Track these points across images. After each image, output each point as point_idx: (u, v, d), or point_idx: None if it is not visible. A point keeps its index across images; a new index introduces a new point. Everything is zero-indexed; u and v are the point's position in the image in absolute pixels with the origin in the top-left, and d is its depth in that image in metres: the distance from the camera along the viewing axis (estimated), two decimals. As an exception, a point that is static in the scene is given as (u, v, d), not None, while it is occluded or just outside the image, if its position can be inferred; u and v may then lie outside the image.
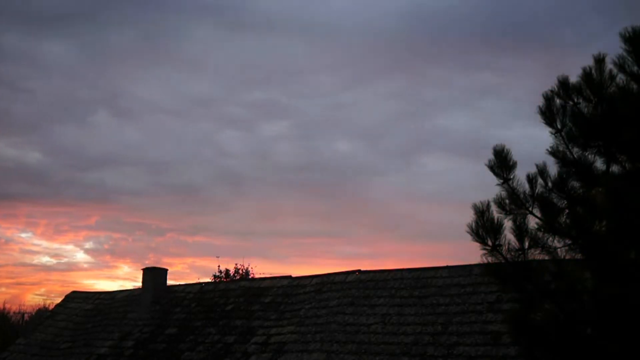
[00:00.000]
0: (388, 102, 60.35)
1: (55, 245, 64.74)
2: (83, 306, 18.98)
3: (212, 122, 63.77)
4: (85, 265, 62.94)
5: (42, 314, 27.31)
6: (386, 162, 63.07)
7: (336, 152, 60.76)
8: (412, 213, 59.19)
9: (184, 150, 61.87)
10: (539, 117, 7.28)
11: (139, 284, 18.58)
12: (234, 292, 16.11)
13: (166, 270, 18.31)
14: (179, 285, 18.05)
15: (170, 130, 62.19)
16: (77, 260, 63.91)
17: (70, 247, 65.87)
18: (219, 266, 31.00)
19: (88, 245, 64.22)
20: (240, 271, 30.68)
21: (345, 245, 62.08)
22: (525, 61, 55.85)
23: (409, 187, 60.94)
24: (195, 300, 16.63)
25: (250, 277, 28.79)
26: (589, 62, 7.08)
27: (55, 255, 63.33)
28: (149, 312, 16.96)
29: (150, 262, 56.46)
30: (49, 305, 33.83)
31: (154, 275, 17.78)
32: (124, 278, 64.28)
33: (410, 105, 61.10)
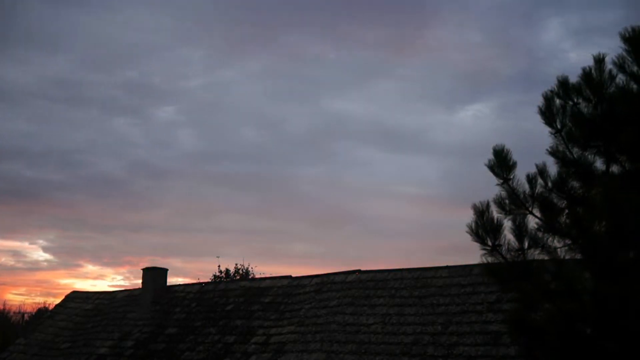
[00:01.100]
0: (266, 81, 59.16)
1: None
2: (83, 306, 18.98)
3: (98, 108, 61.89)
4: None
5: (42, 314, 27.30)
6: (301, 151, 62.76)
7: (245, 140, 60.26)
8: (341, 205, 59.14)
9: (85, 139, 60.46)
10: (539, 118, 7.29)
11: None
12: (234, 292, 16.12)
13: (166, 270, 18.32)
14: (179, 285, 18.07)
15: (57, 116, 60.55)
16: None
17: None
18: (219, 266, 30.97)
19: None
20: (240, 271, 30.66)
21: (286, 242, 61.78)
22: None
23: (333, 178, 60.83)
24: (195, 300, 16.64)
25: (250, 277, 28.79)
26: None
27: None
28: (149, 312, 16.96)
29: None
30: (49, 305, 33.85)
31: (154, 275, 17.78)
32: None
33: (300, 86, 60.46)
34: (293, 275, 15.67)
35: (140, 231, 62.11)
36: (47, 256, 64.06)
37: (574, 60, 56.99)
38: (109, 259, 67.06)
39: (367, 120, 60.25)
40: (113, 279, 65.01)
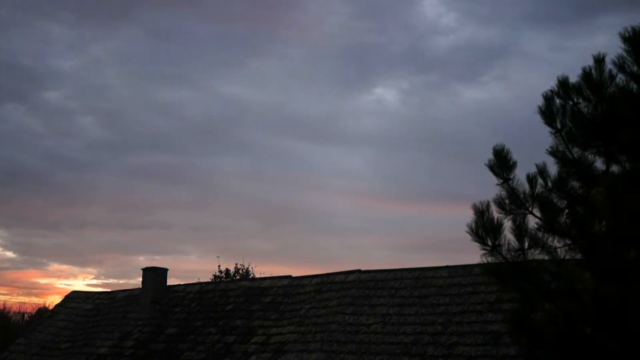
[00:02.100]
0: (144, 62, 56.99)
1: None
2: (83, 306, 18.98)
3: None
4: None
5: (42, 314, 27.30)
6: (211, 140, 61.18)
7: (147, 129, 58.63)
8: (281, 200, 58.20)
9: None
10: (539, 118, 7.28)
11: None
12: (234, 292, 16.11)
13: (166, 270, 18.31)
14: (179, 285, 18.04)
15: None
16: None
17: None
18: (219, 266, 30.97)
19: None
20: (241, 271, 30.66)
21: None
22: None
23: (258, 170, 59.70)
24: (195, 300, 16.63)
25: (250, 277, 28.79)
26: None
27: None
28: (149, 312, 16.95)
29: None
30: (49, 305, 33.85)
31: (154, 275, 17.77)
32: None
33: (179, 65, 57.92)
34: (293, 275, 15.69)
35: (85, 227, 61.54)
36: (10, 254, 63.19)
37: (466, 36, 55.98)
38: (71, 257, 66.75)
39: (266, 105, 58.71)
40: (85, 277, 64.87)
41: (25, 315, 33.29)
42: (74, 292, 20.36)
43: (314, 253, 56.32)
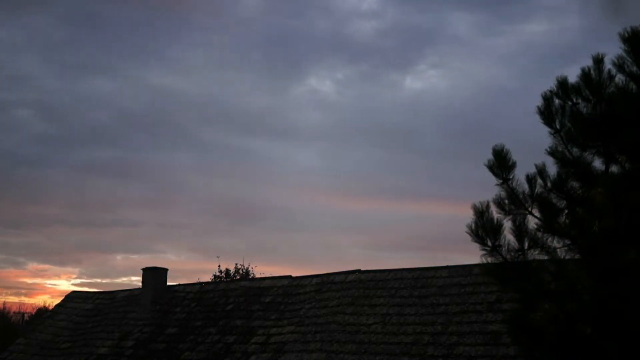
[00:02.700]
0: (62, 49, 55.04)
1: None
2: (83, 306, 18.98)
3: None
4: None
5: (42, 314, 27.30)
6: (156, 135, 59.95)
7: (86, 122, 57.04)
8: (240, 196, 57.52)
9: None
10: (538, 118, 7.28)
11: None
12: (234, 292, 16.11)
13: (166, 270, 18.31)
14: (179, 285, 18.05)
15: None
16: None
17: None
18: (219, 266, 30.98)
19: None
20: (241, 271, 30.66)
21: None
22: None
23: (212, 166, 58.66)
24: (195, 300, 16.63)
25: (250, 277, 28.80)
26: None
27: None
28: (149, 312, 16.95)
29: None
30: (49, 305, 33.86)
31: (154, 275, 17.77)
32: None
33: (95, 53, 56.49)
34: (293, 275, 15.70)
35: (51, 226, 60.76)
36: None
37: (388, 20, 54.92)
38: (47, 256, 65.97)
39: (202, 97, 57.47)
40: (69, 277, 64.53)
41: (25, 315, 33.32)
42: (74, 292, 20.36)
43: (289, 252, 55.83)
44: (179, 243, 60.80)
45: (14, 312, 33.94)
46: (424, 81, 57.95)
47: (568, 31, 52.06)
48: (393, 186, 56.48)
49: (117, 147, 60.32)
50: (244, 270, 30.62)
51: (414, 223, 53.13)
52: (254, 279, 21.49)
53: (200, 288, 17.28)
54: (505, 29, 55.07)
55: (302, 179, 58.18)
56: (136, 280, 62.33)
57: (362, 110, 56.86)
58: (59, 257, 65.48)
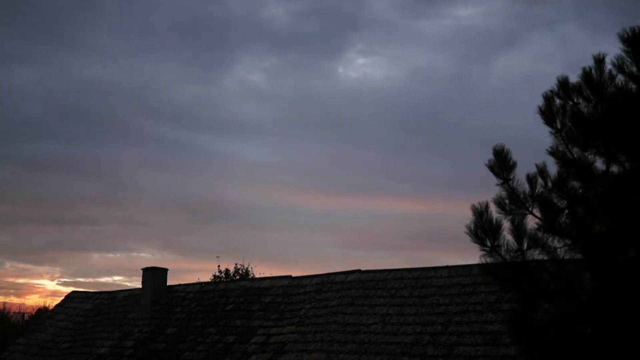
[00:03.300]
0: None
1: None
2: (83, 306, 18.98)
3: None
4: None
5: (42, 314, 27.30)
6: (89, 127, 57.76)
7: (11, 114, 54.61)
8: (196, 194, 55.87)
9: None
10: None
11: None
12: (234, 292, 16.12)
13: (166, 270, 18.32)
14: (179, 285, 18.04)
15: None
16: None
17: None
18: (218, 266, 30.99)
19: None
20: (240, 271, 30.67)
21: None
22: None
23: (162, 162, 57.20)
24: (195, 300, 16.64)
25: (250, 277, 28.81)
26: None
27: None
28: (149, 312, 16.96)
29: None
30: (48, 306, 33.85)
31: (154, 275, 17.78)
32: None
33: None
34: (293, 275, 15.70)
35: (15, 224, 59.26)
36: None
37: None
38: (24, 255, 64.89)
39: (132, 88, 54.62)
40: (53, 277, 63.91)
41: (25, 315, 33.32)
42: (74, 292, 20.36)
43: (262, 251, 55.06)
44: (149, 242, 60.02)
45: (14, 312, 33.95)
46: (357, 71, 56.34)
47: (495, 15, 51.05)
48: (350, 182, 55.66)
49: (56, 142, 58.31)
50: (244, 270, 30.64)
51: (381, 220, 52.65)
52: (254, 279, 21.49)
53: (200, 288, 17.28)
54: (431, 12, 53.78)
55: (257, 175, 56.68)
56: (119, 280, 62.24)
57: (300, 102, 55.21)
58: (34, 256, 63.94)
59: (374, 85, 53.75)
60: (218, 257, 42.26)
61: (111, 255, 59.89)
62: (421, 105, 51.90)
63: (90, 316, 18.28)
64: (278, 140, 57.91)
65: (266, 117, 54.70)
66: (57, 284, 65.76)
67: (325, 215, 56.18)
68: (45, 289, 63.02)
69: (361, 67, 56.94)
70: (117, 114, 56.21)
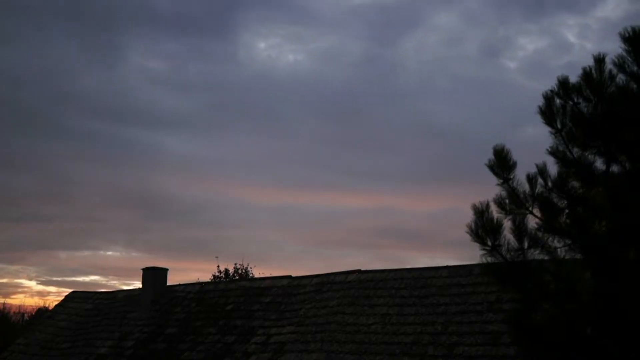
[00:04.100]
0: None
1: None
2: (83, 306, 18.99)
3: None
4: None
5: (42, 314, 27.30)
6: (19, 121, 53.96)
7: None
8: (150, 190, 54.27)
9: None
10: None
11: None
12: (234, 292, 16.11)
13: (166, 270, 18.32)
14: (179, 285, 18.05)
15: None
16: None
17: None
18: (218, 266, 30.97)
19: None
20: (240, 271, 30.66)
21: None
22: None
23: (84, 152, 54.69)
24: (195, 300, 16.63)
25: (250, 277, 28.80)
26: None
27: None
28: (149, 312, 16.95)
29: None
30: (48, 306, 33.84)
31: (154, 275, 17.78)
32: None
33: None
34: (293, 275, 15.70)
35: None
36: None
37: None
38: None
39: (41, 76, 51.45)
40: (30, 277, 62.92)
41: (25, 315, 33.32)
42: (74, 292, 20.36)
43: (221, 248, 53.91)
44: (110, 239, 58.12)
45: (14, 312, 33.95)
46: (259, 61, 53.72)
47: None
48: (290, 176, 54.07)
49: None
50: (243, 270, 30.63)
51: (332, 216, 51.44)
52: (254, 279, 21.48)
53: (200, 288, 17.29)
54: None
55: (192, 169, 55.03)
56: (95, 279, 61.16)
57: (212, 90, 52.89)
58: (3, 255, 62.35)
59: (285, 71, 51.29)
60: (217, 257, 42.07)
61: (78, 253, 58.50)
62: (339, 92, 50.11)
63: (90, 316, 18.28)
64: (202, 132, 55.61)
65: (182, 107, 52.21)
66: (38, 283, 64.99)
67: (276, 210, 54.75)
68: (32, 289, 62.15)
69: (261, 53, 54.34)
70: (24, 102, 52.59)
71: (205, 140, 55.30)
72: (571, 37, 49.85)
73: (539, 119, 7.13)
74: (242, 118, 55.13)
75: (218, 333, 14.61)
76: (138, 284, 18.70)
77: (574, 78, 7.16)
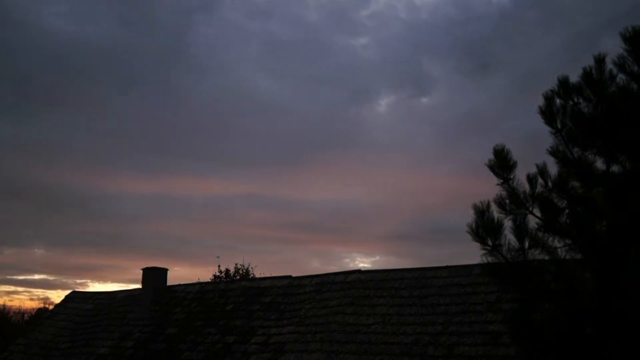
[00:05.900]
0: None
1: None
2: (83, 306, 18.99)
3: None
4: None
5: (42, 314, 27.30)
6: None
7: None
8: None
9: None
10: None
11: None
12: (234, 292, 16.11)
13: (166, 270, 18.33)
14: (179, 285, 18.05)
15: None
16: None
17: None
18: (219, 266, 30.98)
19: None
20: (241, 271, 30.66)
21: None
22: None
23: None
24: (195, 300, 16.63)
25: (250, 277, 28.80)
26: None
27: None
28: (149, 312, 16.96)
29: None
30: (48, 306, 33.85)
31: (154, 275, 17.79)
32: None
33: None
34: (293, 275, 15.70)
35: None
36: None
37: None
38: None
39: None
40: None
41: (25, 315, 33.33)
42: (74, 292, 20.37)
43: (128, 242, 52.48)
44: (21, 234, 56.19)
45: (14, 312, 33.97)
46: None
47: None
48: (152, 162, 51.49)
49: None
50: (244, 271, 30.63)
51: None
52: (254, 279, 21.47)
53: (200, 288, 17.29)
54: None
55: (66, 158, 51.88)
56: (43, 278, 59.57)
57: None
58: None
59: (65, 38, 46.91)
60: (218, 257, 42.07)
61: (8, 250, 57.06)
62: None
63: (90, 316, 18.29)
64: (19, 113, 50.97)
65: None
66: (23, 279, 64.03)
67: (153, 199, 52.57)
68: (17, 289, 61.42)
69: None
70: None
71: (29, 125, 50.88)
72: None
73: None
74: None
75: (218, 333, 14.61)
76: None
77: (574, 78, 7.16)
